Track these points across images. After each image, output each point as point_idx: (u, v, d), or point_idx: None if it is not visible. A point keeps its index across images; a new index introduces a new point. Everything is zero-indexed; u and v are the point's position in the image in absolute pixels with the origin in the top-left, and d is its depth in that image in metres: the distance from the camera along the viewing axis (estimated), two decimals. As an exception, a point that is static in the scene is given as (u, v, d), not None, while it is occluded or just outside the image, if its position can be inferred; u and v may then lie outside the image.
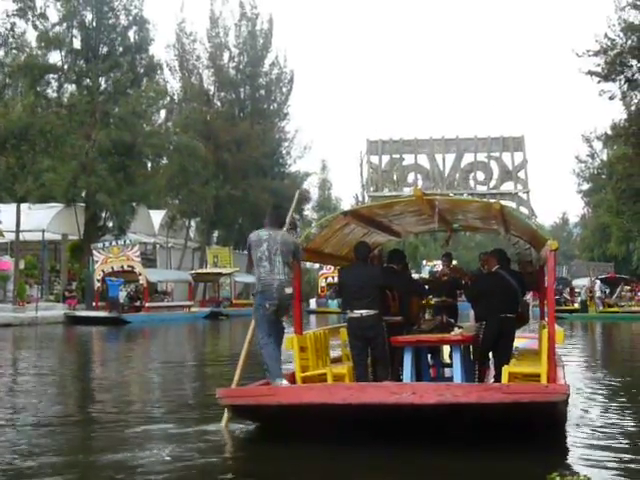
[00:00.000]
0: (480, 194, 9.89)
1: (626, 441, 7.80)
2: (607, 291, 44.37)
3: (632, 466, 6.75)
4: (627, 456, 7.10)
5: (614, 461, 6.88)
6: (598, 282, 45.24)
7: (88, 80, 41.98)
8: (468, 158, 10.11)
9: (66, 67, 41.75)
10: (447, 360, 10.94)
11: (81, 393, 12.52)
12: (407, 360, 9.02)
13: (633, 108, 40.09)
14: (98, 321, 33.42)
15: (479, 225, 11.21)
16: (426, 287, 11.73)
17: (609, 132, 44.08)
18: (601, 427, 8.42)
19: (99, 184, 39.33)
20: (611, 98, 38.52)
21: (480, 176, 10.03)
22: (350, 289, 8.90)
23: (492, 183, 10.00)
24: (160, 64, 45.90)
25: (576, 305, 43.67)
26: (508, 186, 9.96)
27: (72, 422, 9.11)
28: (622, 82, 38.31)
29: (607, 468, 6.64)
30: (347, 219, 9.66)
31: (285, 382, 8.23)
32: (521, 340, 11.28)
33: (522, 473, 6.60)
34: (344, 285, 9.15)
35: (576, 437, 7.83)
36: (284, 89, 57.33)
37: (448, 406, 7.03)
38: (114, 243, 37.60)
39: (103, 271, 36.73)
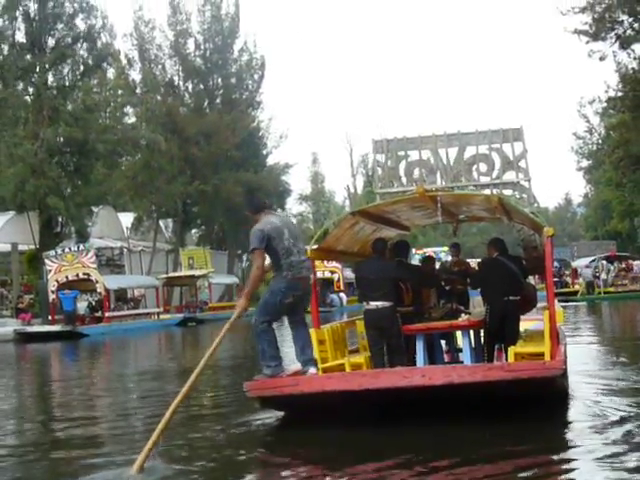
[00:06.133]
0: (483, 185, 10.33)
1: (621, 413, 8.12)
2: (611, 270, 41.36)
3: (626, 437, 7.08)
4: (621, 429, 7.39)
5: (610, 432, 7.25)
6: (604, 262, 42.18)
7: (35, 75, 38.80)
8: (470, 151, 10.46)
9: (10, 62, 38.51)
10: (461, 345, 11.12)
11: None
12: (419, 346, 9.63)
13: (629, 69, 36.80)
14: (51, 336, 30.08)
15: (484, 215, 11.68)
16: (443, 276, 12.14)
17: (602, 98, 40.84)
18: (600, 401, 8.86)
19: (49, 187, 36.13)
20: (602, 59, 35.40)
21: (483, 167, 10.38)
22: (366, 282, 9.50)
23: (494, 173, 10.32)
24: (112, 53, 42.59)
25: (577, 287, 40.60)
26: (510, 175, 10.31)
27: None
28: (613, 40, 35.12)
29: (604, 438, 7.05)
30: (355, 218, 10.17)
31: (284, 374, 8.37)
32: (532, 322, 11.46)
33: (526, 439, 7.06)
34: (361, 278, 9.76)
35: (575, 409, 8.46)
36: (255, 76, 53.90)
37: (455, 386, 7.56)
38: (67, 250, 34.38)
39: (57, 281, 33.55)
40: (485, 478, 6.06)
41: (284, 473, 6.80)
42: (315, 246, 9.92)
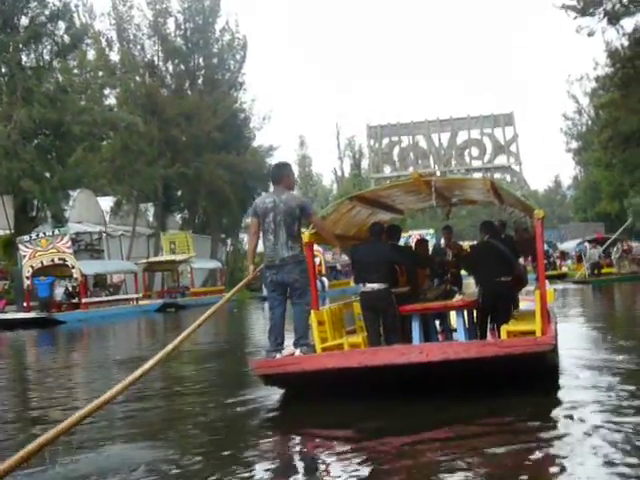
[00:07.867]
0: (475, 169, 10.69)
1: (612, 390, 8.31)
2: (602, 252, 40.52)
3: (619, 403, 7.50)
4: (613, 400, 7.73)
5: (599, 403, 7.55)
6: (587, 244, 41.45)
7: (8, 55, 37.63)
8: (462, 136, 10.74)
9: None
10: (454, 326, 11.50)
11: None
12: (415, 326, 9.98)
13: (618, 46, 36.00)
14: (25, 323, 29.20)
15: (477, 198, 12.03)
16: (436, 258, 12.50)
17: (590, 76, 40.05)
18: (588, 376, 9.19)
19: (23, 169, 35.08)
20: (590, 34, 34.55)
21: (475, 152, 10.68)
22: (363, 265, 9.78)
23: (486, 158, 10.62)
24: (91, 33, 41.49)
25: (564, 269, 39.78)
26: (501, 160, 10.61)
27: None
28: (601, 16, 34.30)
29: (592, 408, 7.34)
30: (353, 203, 10.50)
31: (278, 355, 8.72)
32: (523, 303, 11.89)
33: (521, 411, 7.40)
34: (357, 261, 10.02)
35: (565, 383, 8.75)
36: (237, 56, 52.74)
37: (451, 362, 7.93)
38: (41, 235, 33.37)
39: (32, 267, 32.54)
40: (475, 450, 6.17)
41: (285, 449, 6.90)
42: (314, 230, 10.07)
